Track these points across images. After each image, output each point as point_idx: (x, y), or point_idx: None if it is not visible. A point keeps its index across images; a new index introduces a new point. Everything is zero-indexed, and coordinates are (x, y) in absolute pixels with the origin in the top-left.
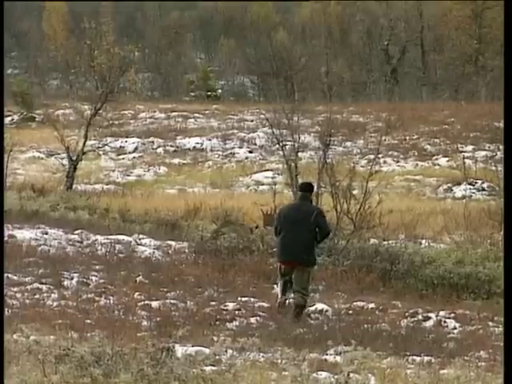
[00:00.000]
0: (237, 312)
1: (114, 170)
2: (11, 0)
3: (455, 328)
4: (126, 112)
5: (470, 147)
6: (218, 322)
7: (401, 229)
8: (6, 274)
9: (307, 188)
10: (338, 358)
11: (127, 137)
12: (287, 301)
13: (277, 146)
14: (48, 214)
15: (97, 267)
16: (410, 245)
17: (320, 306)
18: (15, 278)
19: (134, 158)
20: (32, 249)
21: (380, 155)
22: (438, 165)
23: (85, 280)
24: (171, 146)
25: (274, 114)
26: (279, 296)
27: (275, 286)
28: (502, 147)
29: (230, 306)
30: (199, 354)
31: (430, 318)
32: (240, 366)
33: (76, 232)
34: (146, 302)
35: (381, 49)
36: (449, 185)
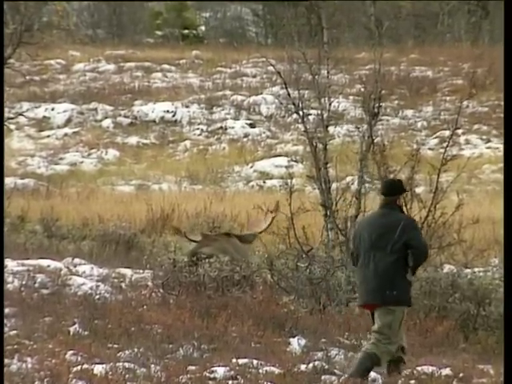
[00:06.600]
0: (230, 382)
1: (33, 155)
2: (11, 0)
3: None
4: (53, 62)
5: None
6: None
7: (493, 249)
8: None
9: (391, 189)
10: None
11: (55, 102)
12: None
13: (294, 116)
14: None
15: (6, 311)
16: None
17: None
18: None
19: (66, 135)
20: None
21: (460, 131)
22: None
23: None
24: (125, 116)
25: (290, 66)
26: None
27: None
28: None
29: (220, 372)
30: None
31: None
32: None
33: None
34: (85, 366)
35: None
36: None
